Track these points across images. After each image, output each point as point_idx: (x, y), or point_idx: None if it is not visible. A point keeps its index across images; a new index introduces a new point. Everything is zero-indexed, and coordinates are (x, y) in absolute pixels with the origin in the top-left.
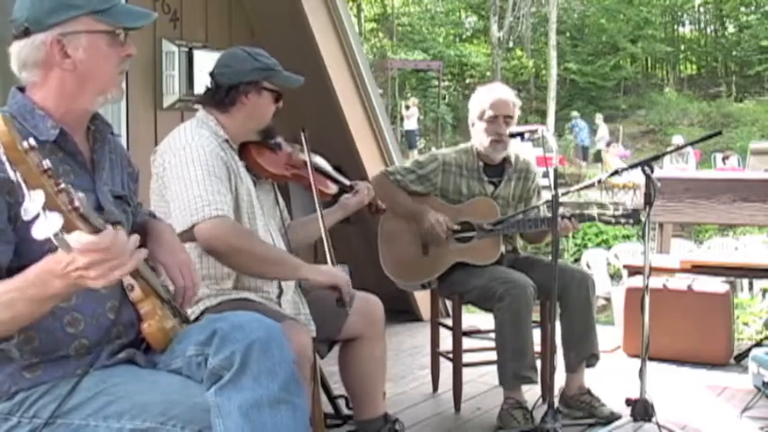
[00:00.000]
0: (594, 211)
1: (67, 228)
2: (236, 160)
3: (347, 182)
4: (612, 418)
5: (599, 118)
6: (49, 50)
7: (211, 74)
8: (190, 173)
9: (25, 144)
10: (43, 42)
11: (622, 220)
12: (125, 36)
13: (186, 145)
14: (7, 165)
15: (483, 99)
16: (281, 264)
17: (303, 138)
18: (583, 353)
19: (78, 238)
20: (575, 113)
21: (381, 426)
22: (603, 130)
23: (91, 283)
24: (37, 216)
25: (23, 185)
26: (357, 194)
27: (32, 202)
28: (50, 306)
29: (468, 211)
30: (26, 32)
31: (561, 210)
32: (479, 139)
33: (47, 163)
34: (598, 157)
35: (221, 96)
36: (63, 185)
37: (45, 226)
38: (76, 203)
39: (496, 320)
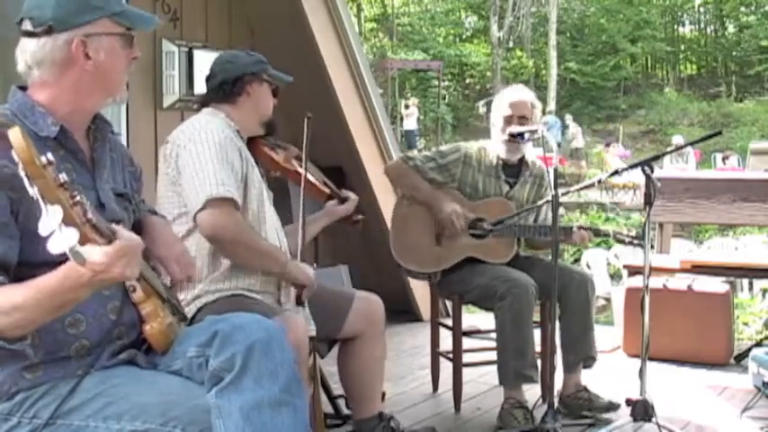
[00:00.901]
0: (610, 229)
1: (81, 240)
2: (246, 150)
3: (338, 191)
4: (611, 407)
5: (569, 118)
6: (73, 50)
7: (213, 75)
8: (206, 154)
9: (43, 159)
10: (66, 42)
11: (636, 242)
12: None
13: (201, 129)
14: (26, 180)
15: (503, 99)
16: (273, 259)
17: (306, 124)
18: (581, 354)
19: (106, 250)
20: None
21: (376, 424)
22: (574, 128)
23: (128, 278)
24: (53, 231)
25: (41, 201)
26: (347, 203)
27: (50, 218)
28: (69, 309)
29: (483, 208)
30: (49, 31)
31: (579, 222)
32: (497, 138)
33: (63, 177)
34: (574, 155)
35: (229, 88)
36: (78, 198)
37: (61, 240)
38: (89, 215)
39: (497, 319)
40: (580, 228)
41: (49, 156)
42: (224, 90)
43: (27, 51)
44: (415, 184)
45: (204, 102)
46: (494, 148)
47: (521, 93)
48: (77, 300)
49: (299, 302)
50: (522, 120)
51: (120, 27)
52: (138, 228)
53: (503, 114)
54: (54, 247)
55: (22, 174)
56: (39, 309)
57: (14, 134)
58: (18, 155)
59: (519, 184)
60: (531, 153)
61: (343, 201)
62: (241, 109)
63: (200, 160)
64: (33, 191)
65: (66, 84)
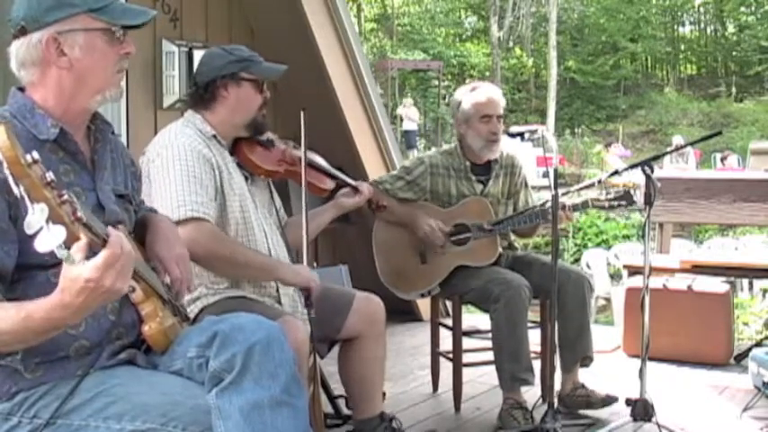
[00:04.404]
0: (588, 198)
1: (70, 238)
2: (224, 156)
3: (348, 180)
4: (609, 400)
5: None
6: (45, 49)
7: (193, 77)
8: (170, 173)
9: (28, 158)
10: (39, 41)
11: (615, 203)
12: (124, 34)
13: (169, 144)
14: (11, 179)
15: (474, 99)
16: (257, 267)
17: (302, 118)
18: (577, 354)
19: (95, 263)
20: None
21: (378, 425)
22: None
23: (118, 293)
24: (40, 229)
25: (26, 199)
26: (359, 195)
27: (35, 216)
28: (60, 331)
29: (461, 212)
30: (23, 31)
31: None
32: (472, 139)
33: (50, 175)
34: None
35: (201, 94)
36: (66, 196)
37: (48, 239)
38: (79, 214)
39: (493, 322)
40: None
41: (35, 154)
42: (198, 95)
43: (12, 53)
44: (387, 207)
45: (187, 104)
46: (462, 149)
47: (490, 91)
48: (68, 325)
49: (307, 305)
50: (500, 119)
51: (99, 23)
52: (139, 226)
53: (479, 115)
54: (41, 246)
55: (7, 173)
56: (28, 334)
57: None
58: (2, 154)
59: (492, 180)
60: (524, 151)
61: (355, 189)
62: (216, 114)
63: (165, 181)
64: (18, 190)
65: (50, 83)
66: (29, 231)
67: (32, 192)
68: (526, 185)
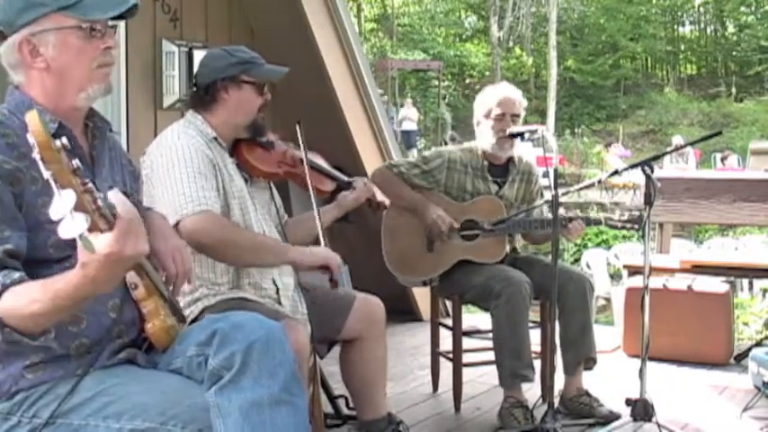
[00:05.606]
0: (601, 216)
1: (91, 227)
2: (224, 158)
3: (345, 178)
4: (612, 417)
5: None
6: (19, 51)
7: (194, 77)
8: (175, 172)
9: (58, 143)
10: (14, 44)
11: (628, 225)
12: (106, 28)
13: (172, 145)
14: (41, 164)
15: (490, 97)
16: (268, 250)
17: (298, 131)
18: (580, 355)
19: (104, 239)
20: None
21: (385, 426)
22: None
23: (142, 254)
24: (63, 216)
25: (54, 185)
26: (354, 191)
27: (63, 202)
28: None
29: (473, 209)
30: (2, 36)
31: (569, 212)
32: (485, 137)
33: (76, 162)
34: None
35: (201, 96)
36: (89, 185)
37: (72, 226)
38: (99, 203)
39: (493, 319)
40: (571, 219)
41: (64, 140)
42: (198, 97)
43: (1, 56)
44: (399, 192)
45: (188, 104)
46: (480, 148)
47: (507, 90)
48: (97, 295)
49: (333, 285)
50: (515, 118)
51: (71, 20)
52: None
53: (493, 113)
54: (64, 233)
55: (37, 157)
56: (57, 312)
57: (32, 117)
58: (35, 138)
59: (507, 184)
60: (524, 151)
61: (352, 189)
62: (216, 116)
63: (170, 181)
64: (48, 174)
65: (35, 84)
66: (55, 217)
67: (60, 177)
68: (542, 195)
